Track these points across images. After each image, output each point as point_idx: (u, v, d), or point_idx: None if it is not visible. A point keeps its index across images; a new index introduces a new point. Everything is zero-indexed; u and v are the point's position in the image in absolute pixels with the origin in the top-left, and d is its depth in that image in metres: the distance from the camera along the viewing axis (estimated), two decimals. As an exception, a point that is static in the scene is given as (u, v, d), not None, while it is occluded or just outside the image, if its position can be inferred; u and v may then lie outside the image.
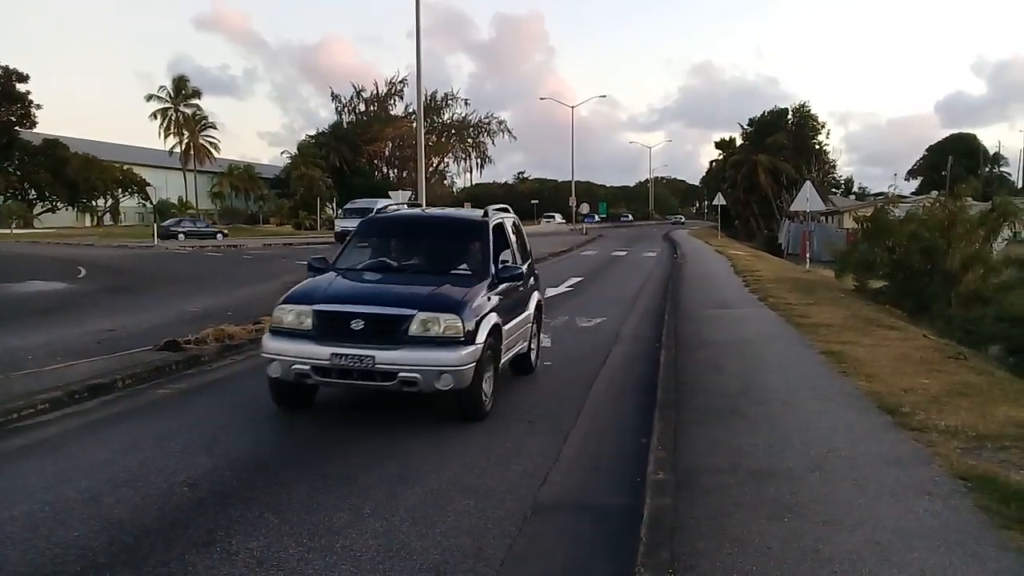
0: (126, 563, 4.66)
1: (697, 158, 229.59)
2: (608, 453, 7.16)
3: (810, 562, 4.50)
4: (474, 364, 7.46)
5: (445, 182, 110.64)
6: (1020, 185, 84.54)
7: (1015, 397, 8.41)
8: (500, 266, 8.85)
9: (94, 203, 73.81)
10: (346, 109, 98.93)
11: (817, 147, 69.40)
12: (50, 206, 69.42)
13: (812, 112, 72.06)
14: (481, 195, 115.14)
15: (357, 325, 7.36)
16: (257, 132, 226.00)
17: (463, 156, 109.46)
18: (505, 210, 10.64)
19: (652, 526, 5.03)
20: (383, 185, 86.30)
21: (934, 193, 31.18)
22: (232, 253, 38.62)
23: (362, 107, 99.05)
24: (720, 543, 4.74)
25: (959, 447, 6.50)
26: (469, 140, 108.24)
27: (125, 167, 74.71)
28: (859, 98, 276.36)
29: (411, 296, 7.73)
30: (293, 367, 7.48)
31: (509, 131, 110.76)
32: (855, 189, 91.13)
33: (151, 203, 66.96)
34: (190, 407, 8.47)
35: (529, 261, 10.82)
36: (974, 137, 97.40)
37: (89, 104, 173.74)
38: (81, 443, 7.11)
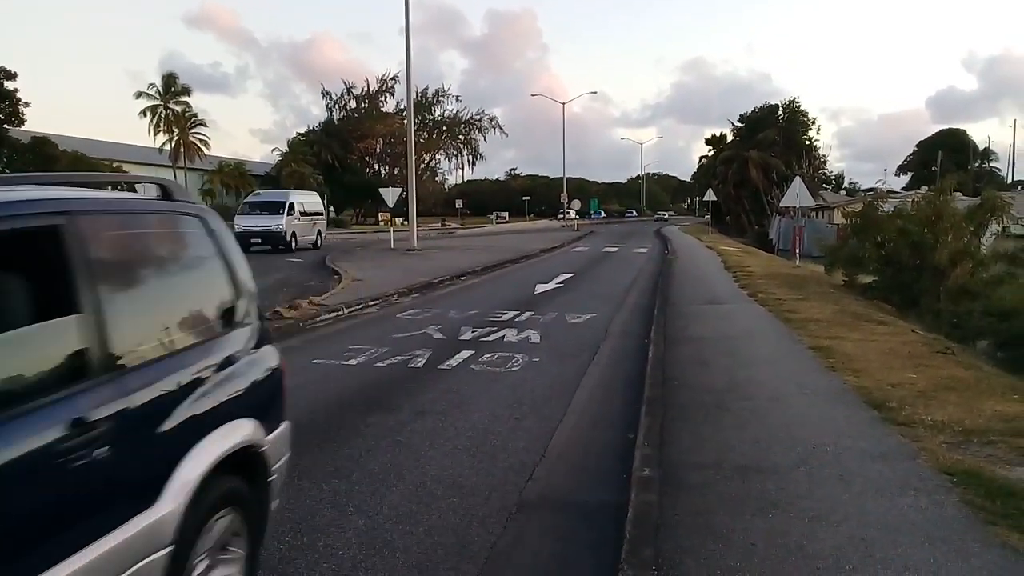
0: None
1: (689, 154, 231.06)
2: (595, 450, 7.12)
3: (795, 558, 4.48)
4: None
5: (437, 179, 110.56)
6: (1009, 180, 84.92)
7: (1002, 392, 8.42)
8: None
9: (83, 201, 73.50)
10: (337, 106, 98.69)
11: (808, 143, 69.50)
12: (39, 204, 69.07)
13: (803, 108, 72.23)
14: (473, 192, 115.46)
15: None
16: (249, 129, 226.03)
17: (455, 153, 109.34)
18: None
19: (636, 523, 5.00)
20: (374, 182, 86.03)
21: (923, 188, 31.27)
22: (222, 250, 38.45)
23: (353, 104, 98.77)
24: (704, 540, 4.72)
25: (945, 442, 6.50)
26: (460, 137, 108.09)
27: (115, 165, 74.40)
28: (851, 94, 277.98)
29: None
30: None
31: (500, 127, 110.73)
32: (846, 185, 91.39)
33: (141, 200, 66.59)
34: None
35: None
36: (964, 132, 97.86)
37: (79, 102, 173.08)
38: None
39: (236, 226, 33.24)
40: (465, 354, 11.13)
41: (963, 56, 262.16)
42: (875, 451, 6.36)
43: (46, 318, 2.82)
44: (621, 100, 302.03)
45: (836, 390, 8.43)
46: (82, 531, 2.72)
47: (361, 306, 16.58)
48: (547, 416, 8.06)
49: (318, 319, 14.66)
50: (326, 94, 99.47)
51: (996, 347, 15.47)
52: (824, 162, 73.46)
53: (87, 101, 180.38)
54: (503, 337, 12.68)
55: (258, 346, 4.28)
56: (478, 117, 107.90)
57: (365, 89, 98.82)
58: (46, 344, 2.87)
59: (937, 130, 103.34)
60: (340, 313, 15.53)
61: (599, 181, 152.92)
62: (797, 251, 29.77)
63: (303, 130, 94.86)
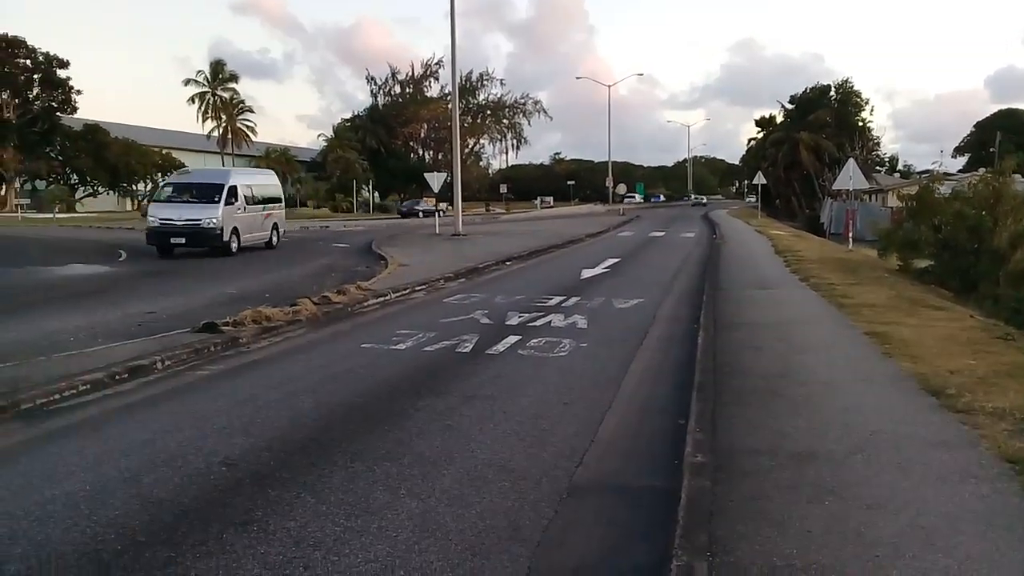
0: (165, 541, 4.70)
1: (738, 137, 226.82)
2: (645, 435, 7.07)
3: (852, 546, 4.40)
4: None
5: (481, 164, 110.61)
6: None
7: (1066, 379, 8.16)
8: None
9: (134, 187, 74.96)
10: (381, 91, 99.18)
11: (860, 124, 68.03)
12: (91, 190, 70.70)
13: (855, 88, 70.69)
14: (517, 176, 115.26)
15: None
16: (296, 115, 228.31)
17: (499, 137, 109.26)
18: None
19: (690, 509, 4.95)
20: (418, 167, 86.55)
21: (981, 170, 30.40)
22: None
23: (397, 89, 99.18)
24: (759, 526, 4.66)
25: (1007, 429, 6.32)
26: (504, 121, 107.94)
27: (164, 151, 75.76)
28: (906, 73, 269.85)
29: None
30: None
31: (545, 111, 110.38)
32: (900, 167, 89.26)
33: (191, 187, 67.75)
34: (228, 388, 8.54)
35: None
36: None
37: (129, 89, 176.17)
38: (121, 423, 7.20)
39: (150, 219, 26.13)
40: (512, 339, 11.13)
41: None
42: (934, 438, 6.22)
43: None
44: (668, 82, 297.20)
45: (893, 376, 8.26)
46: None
47: (408, 291, 16.67)
48: (596, 401, 8.02)
49: (366, 304, 14.77)
50: (371, 79, 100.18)
51: (1058, 333, 15.00)
52: (877, 144, 71.91)
53: (137, 88, 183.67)
54: (550, 322, 12.65)
55: None
56: (522, 101, 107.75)
57: (409, 74, 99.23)
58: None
59: (996, 110, 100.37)
60: (387, 298, 15.63)
61: (645, 165, 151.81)
62: (850, 235, 29.20)
63: (348, 116, 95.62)
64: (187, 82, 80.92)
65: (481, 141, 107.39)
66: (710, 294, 15.30)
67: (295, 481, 5.70)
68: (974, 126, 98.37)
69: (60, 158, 67.74)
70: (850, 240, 28.91)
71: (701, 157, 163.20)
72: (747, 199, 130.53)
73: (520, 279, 19.60)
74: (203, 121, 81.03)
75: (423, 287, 17.35)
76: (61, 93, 65.37)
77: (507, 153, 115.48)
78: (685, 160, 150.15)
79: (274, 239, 29.05)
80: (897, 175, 76.25)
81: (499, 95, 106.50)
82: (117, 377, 8.68)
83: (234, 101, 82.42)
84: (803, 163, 67.45)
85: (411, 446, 6.53)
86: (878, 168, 69.15)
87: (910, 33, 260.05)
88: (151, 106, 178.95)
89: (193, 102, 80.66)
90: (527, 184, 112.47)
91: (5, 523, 4.95)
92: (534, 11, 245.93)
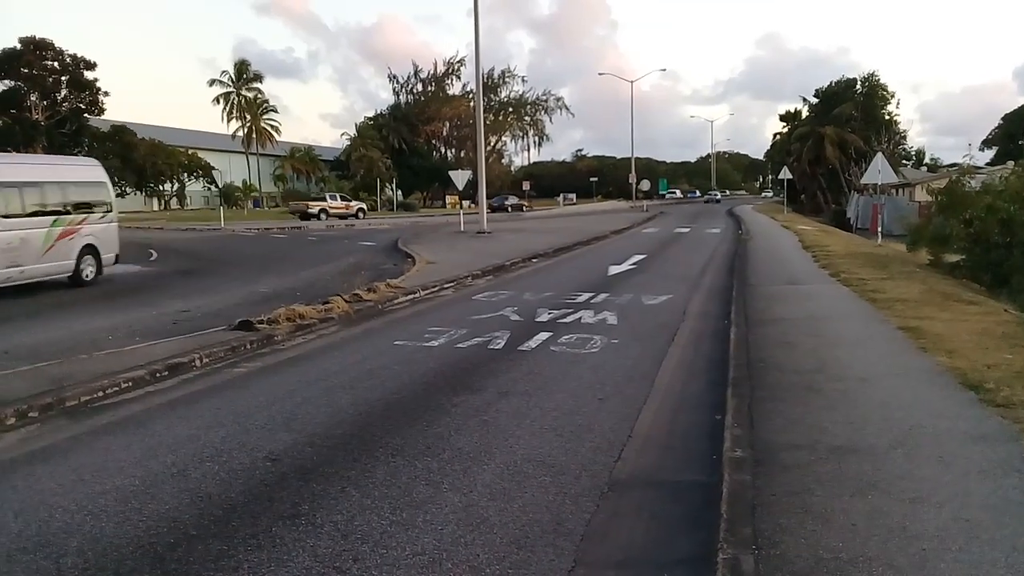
0: (216, 535, 4.80)
1: (762, 131, 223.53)
2: (681, 430, 7.09)
3: (898, 539, 4.41)
4: None
5: (503, 161, 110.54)
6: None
7: (1105, 373, 8.08)
8: None
9: (161, 187, 75.75)
10: (404, 89, 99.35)
11: (887, 118, 67.30)
12: (119, 191, 71.26)
13: (882, 81, 69.91)
14: (539, 173, 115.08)
15: None
16: (319, 114, 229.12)
17: (520, 134, 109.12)
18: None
19: (732, 503, 4.98)
20: (441, 165, 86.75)
21: (1009, 163, 30.01)
22: (296, 235, 39.27)
23: (419, 87, 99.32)
24: (803, 520, 4.68)
25: (1049, 424, 6.29)
26: (526, 118, 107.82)
27: (190, 151, 76.45)
28: (933, 66, 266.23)
29: None
30: None
31: (567, 108, 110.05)
32: (927, 160, 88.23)
33: (217, 186, 68.42)
34: (267, 385, 8.66)
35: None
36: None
37: (154, 90, 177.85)
38: (165, 420, 7.32)
39: None
40: (543, 336, 11.17)
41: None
42: (975, 432, 6.19)
43: None
44: (692, 77, 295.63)
45: (929, 371, 8.22)
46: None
47: (436, 288, 16.76)
48: (630, 397, 8.05)
49: (396, 301, 14.87)
50: (393, 78, 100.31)
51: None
52: (904, 137, 71.09)
53: (162, 89, 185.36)
54: (580, 319, 12.68)
55: None
56: (544, 98, 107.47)
57: (432, 72, 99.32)
58: None
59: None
60: (417, 295, 15.73)
61: (667, 161, 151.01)
62: (879, 229, 28.94)
63: (371, 114, 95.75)
64: (212, 82, 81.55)
65: (503, 138, 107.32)
66: (739, 290, 15.27)
67: (339, 476, 5.78)
68: (1002, 119, 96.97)
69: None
70: (879, 235, 28.66)
71: (724, 152, 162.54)
72: (763, 194, 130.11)
73: (547, 276, 19.64)
74: (228, 121, 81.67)
75: (451, 284, 17.44)
76: (89, 94, 66.05)
77: (529, 150, 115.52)
78: (708, 156, 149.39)
79: (87, 271, 18.39)
80: (924, 169, 75.43)
81: (521, 92, 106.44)
82: (158, 375, 8.83)
83: (258, 101, 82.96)
84: (828, 158, 66.81)
85: (450, 441, 6.60)
86: (904, 162, 68.40)
87: (937, 25, 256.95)
88: (177, 107, 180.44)
89: (218, 102, 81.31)
90: (550, 181, 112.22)
91: (60, 517, 5.07)
92: (556, 7, 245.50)
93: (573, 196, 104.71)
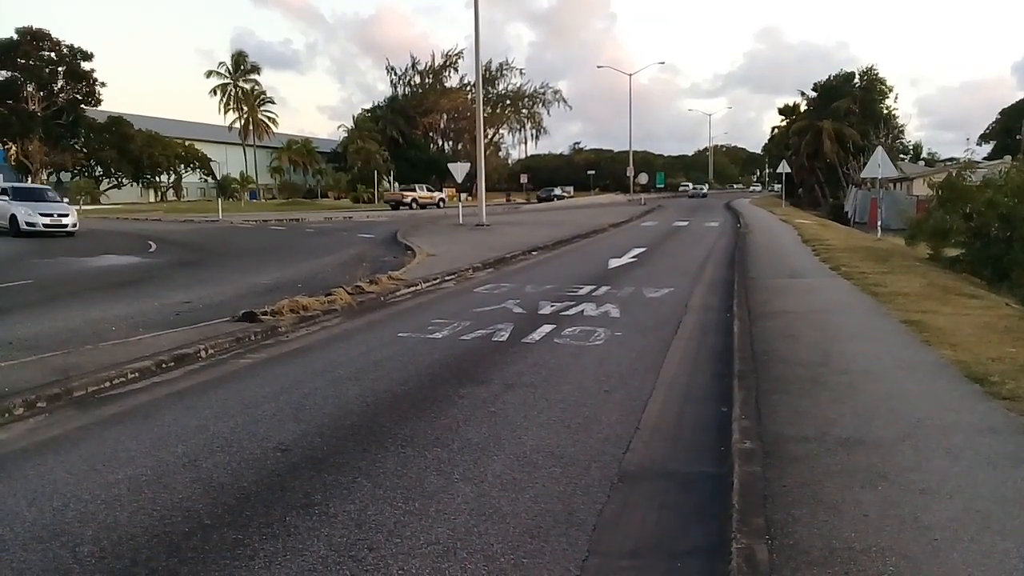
0: (230, 524, 4.81)
1: (760, 125, 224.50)
2: (688, 422, 7.12)
3: (910, 530, 4.45)
4: None
5: (500, 154, 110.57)
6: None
7: (1108, 366, 8.12)
8: None
9: (158, 179, 75.60)
10: (401, 81, 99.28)
11: (885, 112, 67.36)
12: (116, 182, 71.37)
13: (880, 76, 69.98)
14: (537, 166, 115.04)
15: None
16: (317, 106, 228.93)
17: (518, 127, 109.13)
18: None
19: (744, 493, 5.01)
20: (439, 157, 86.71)
21: (1007, 158, 30.07)
22: (294, 227, 39.23)
23: (417, 79, 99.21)
24: (815, 510, 4.71)
25: (1055, 416, 6.33)
26: (524, 111, 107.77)
27: (187, 143, 76.34)
28: (932, 60, 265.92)
29: None
30: None
31: (564, 100, 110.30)
32: (924, 155, 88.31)
33: (214, 178, 68.32)
34: (273, 376, 8.66)
35: None
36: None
37: (152, 81, 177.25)
38: (173, 410, 7.33)
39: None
40: (547, 328, 11.20)
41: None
42: (982, 424, 6.23)
43: None
44: (691, 70, 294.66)
45: (934, 364, 8.26)
46: None
47: (438, 281, 16.78)
48: (636, 389, 8.08)
49: (398, 293, 14.89)
50: (391, 70, 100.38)
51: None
52: (902, 131, 71.18)
53: (160, 80, 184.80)
54: (582, 311, 12.71)
55: None
56: (542, 90, 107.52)
57: (429, 64, 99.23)
58: None
59: (1022, 97, 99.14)
60: (419, 287, 15.75)
61: (665, 154, 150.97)
62: (878, 223, 28.98)
63: (369, 106, 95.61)
64: (209, 74, 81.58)
65: (500, 131, 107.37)
66: (741, 283, 15.30)
67: (350, 466, 5.80)
68: (1000, 113, 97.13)
69: (84, 150, 68.41)
70: (879, 229, 28.70)
71: (722, 146, 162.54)
72: (751, 188, 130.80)
73: (548, 268, 19.65)
74: (225, 113, 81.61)
75: (452, 277, 17.45)
76: (85, 85, 65.92)
77: (526, 143, 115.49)
78: (706, 149, 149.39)
79: None
80: (921, 163, 75.51)
81: (518, 85, 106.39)
82: (164, 365, 8.84)
83: (255, 92, 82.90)
84: (826, 152, 66.94)
85: (459, 432, 6.62)
86: (902, 156, 68.48)
87: (936, 20, 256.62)
88: (174, 98, 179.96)
89: (215, 94, 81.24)
90: (547, 174, 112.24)
91: (74, 507, 5.09)
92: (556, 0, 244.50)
93: (571, 189, 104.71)
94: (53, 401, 7.40)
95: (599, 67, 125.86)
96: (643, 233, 33.59)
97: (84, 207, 57.14)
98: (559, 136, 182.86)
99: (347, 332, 11.34)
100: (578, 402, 7.58)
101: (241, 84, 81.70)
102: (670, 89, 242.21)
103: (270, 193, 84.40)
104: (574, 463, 5.91)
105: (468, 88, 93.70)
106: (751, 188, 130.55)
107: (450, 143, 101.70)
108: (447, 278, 17.23)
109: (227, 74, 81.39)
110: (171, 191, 79.58)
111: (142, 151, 68.74)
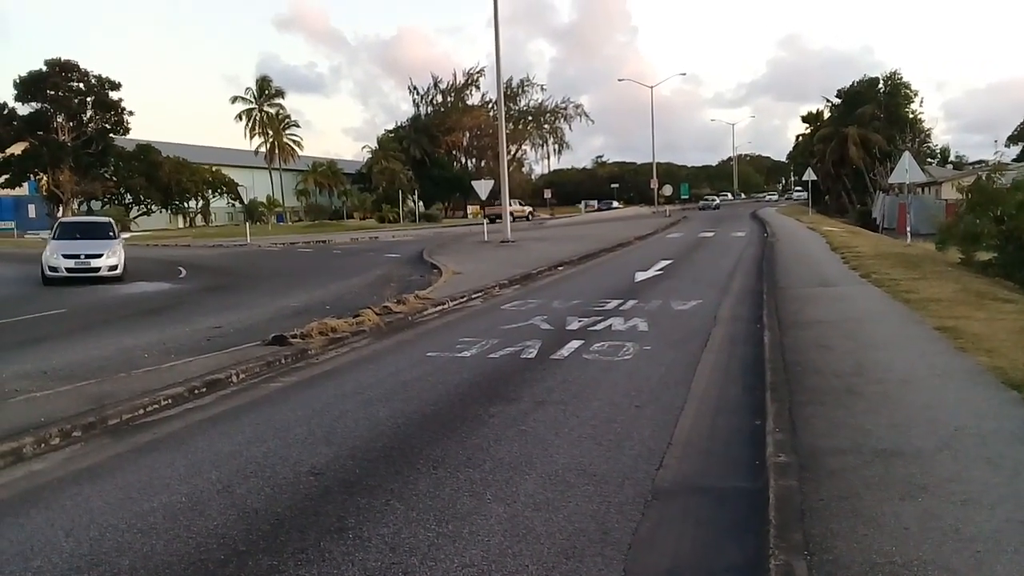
0: (265, 550, 4.82)
1: (785, 133, 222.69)
2: (721, 436, 7.05)
3: (952, 542, 4.36)
4: None
5: (523, 169, 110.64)
6: None
7: None
8: None
9: (186, 204, 76.52)
10: (424, 101, 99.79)
11: (911, 116, 66.74)
12: (145, 209, 72.28)
13: (904, 80, 69.40)
14: (560, 181, 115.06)
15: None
16: (341, 128, 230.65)
17: (540, 143, 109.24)
18: None
19: (780, 508, 4.94)
20: (462, 175, 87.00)
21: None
22: (321, 248, 39.53)
23: (439, 98, 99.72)
24: (854, 524, 4.63)
25: (1098, 422, 6.19)
26: (546, 126, 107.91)
27: (214, 168, 77.20)
28: (958, 63, 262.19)
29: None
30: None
31: (586, 115, 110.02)
32: (952, 158, 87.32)
33: (241, 202, 69.08)
34: (304, 399, 8.70)
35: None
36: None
37: (179, 108, 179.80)
38: (206, 436, 7.38)
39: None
40: (575, 344, 11.17)
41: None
42: (1021, 432, 6.12)
43: None
44: (714, 80, 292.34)
45: (970, 371, 8.13)
46: None
47: (465, 299, 16.80)
48: (667, 404, 8.02)
49: (425, 313, 14.92)
50: (413, 89, 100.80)
51: None
52: (928, 135, 70.47)
53: (187, 107, 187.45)
54: (610, 326, 12.66)
55: None
56: (563, 105, 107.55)
57: (451, 83, 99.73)
58: None
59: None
60: (446, 306, 15.78)
61: (688, 165, 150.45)
62: (908, 229, 28.63)
63: (392, 127, 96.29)
64: (234, 99, 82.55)
65: (523, 147, 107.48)
66: (770, 293, 15.18)
67: (382, 488, 5.80)
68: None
69: (114, 178, 69.39)
70: (907, 234, 28.36)
71: (746, 155, 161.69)
72: (766, 196, 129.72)
73: (574, 284, 19.63)
74: (250, 137, 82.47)
75: (479, 295, 17.47)
76: (114, 115, 66.91)
77: (549, 158, 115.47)
78: (730, 159, 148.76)
79: None
80: (949, 167, 74.70)
81: (540, 100, 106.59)
82: (196, 391, 8.91)
83: (280, 116, 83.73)
84: (852, 158, 66.38)
85: (490, 452, 6.60)
86: (929, 160, 67.78)
87: (962, 22, 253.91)
88: (201, 124, 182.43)
89: (240, 119, 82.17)
90: (570, 188, 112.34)
91: (111, 536, 5.12)
92: (577, 15, 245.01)
93: (595, 203, 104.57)
94: (88, 430, 7.48)
95: (620, 80, 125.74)
96: (669, 245, 33.45)
97: (115, 235, 57.95)
98: (582, 150, 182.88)
99: (376, 353, 11.37)
100: (609, 418, 7.53)
101: (266, 109, 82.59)
102: (693, 100, 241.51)
103: (296, 216, 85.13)
104: (607, 481, 5.87)
105: (490, 106, 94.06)
106: (766, 197, 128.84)
107: (473, 160, 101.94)
108: (474, 296, 17.25)
109: (252, 99, 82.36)
110: (199, 216, 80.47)
111: (170, 178, 69.58)
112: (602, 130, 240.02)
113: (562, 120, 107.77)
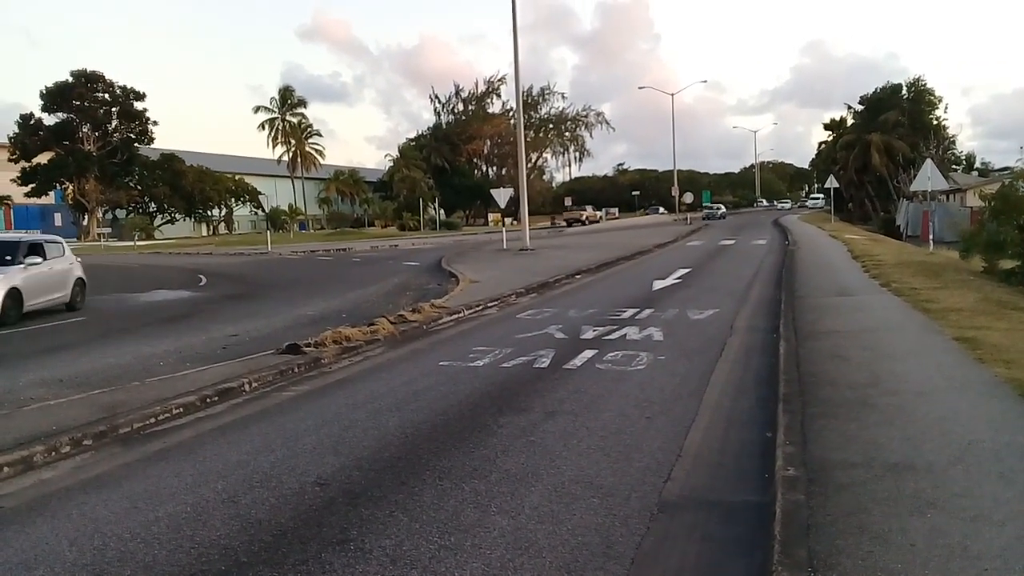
0: (266, 562, 4.81)
1: (807, 140, 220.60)
2: (732, 449, 6.97)
3: (959, 560, 4.27)
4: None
5: (544, 177, 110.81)
6: None
7: None
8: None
9: (209, 213, 77.20)
10: (445, 109, 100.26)
11: (935, 123, 66.11)
12: (169, 218, 73.06)
13: (928, 86, 68.80)
14: (580, 189, 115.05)
15: None
16: (364, 137, 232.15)
17: (561, 151, 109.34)
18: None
19: (786, 523, 4.86)
20: (483, 183, 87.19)
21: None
22: (341, 256, 39.70)
23: (460, 107, 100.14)
24: (860, 540, 4.55)
25: (1117, 437, 6.06)
26: (567, 134, 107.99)
27: (237, 177, 77.85)
28: (984, 68, 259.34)
29: None
30: None
31: (607, 122, 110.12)
32: (977, 165, 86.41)
33: (264, 211, 69.58)
34: (315, 408, 8.72)
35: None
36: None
37: (203, 118, 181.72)
38: (215, 445, 7.41)
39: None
40: (589, 353, 11.11)
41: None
42: (1037, 447, 6.00)
43: None
44: (736, 87, 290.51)
45: (987, 383, 7.99)
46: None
47: (480, 307, 16.79)
48: (679, 415, 7.95)
49: (440, 321, 14.93)
50: (434, 98, 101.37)
51: None
52: (953, 142, 69.77)
53: (211, 116, 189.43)
54: (625, 335, 12.59)
55: None
56: (584, 113, 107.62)
57: (472, 91, 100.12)
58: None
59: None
60: (461, 315, 15.77)
61: (710, 172, 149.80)
62: (930, 237, 28.32)
63: (413, 135, 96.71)
64: (257, 109, 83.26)
65: (544, 155, 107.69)
66: (788, 302, 15.04)
67: (387, 499, 5.78)
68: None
69: (139, 187, 70.27)
70: (931, 242, 28.05)
71: (768, 162, 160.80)
72: (778, 204, 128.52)
73: (591, 292, 19.56)
74: (273, 146, 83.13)
75: (495, 303, 17.46)
76: (138, 124, 67.87)
77: (570, 166, 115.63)
78: (752, 166, 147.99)
79: None
80: (975, 173, 73.90)
81: (560, 108, 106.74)
82: (208, 400, 8.95)
83: (302, 126, 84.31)
84: (875, 165, 65.89)
85: (497, 463, 6.57)
86: (954, 167, 67.09)
87: (987, 27, 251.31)
88: (224, 133, 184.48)
89: (263, 128, 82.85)
90: (591, 196, 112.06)
91: (115, 545, 5.14)
92: (599, 23, 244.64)
93: (615, 210, 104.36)
94: (99, 439, 7.53)
95: (641, 88, 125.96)
96: (689, 253, 33.29)
97: (139, 243, 58.64)
98: (604, 158, 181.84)
99: (389, 362, 11.38)
100: (619, 429, 7.48)
101: (288, 118, 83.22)
102: (716, 107, 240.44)
103: (318, 224, 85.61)
104: (613, 493, 5.81)
105: (510, 114, 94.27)
106: (778, 205, 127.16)
107: (494, 168, 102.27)
108: (490, 304, 17.23)
109: (275, 108, 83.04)
110: (222, 224, 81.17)
111: (194, 186, 70.31)
112: (624, 137, 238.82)
113: (583, 128, 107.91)
